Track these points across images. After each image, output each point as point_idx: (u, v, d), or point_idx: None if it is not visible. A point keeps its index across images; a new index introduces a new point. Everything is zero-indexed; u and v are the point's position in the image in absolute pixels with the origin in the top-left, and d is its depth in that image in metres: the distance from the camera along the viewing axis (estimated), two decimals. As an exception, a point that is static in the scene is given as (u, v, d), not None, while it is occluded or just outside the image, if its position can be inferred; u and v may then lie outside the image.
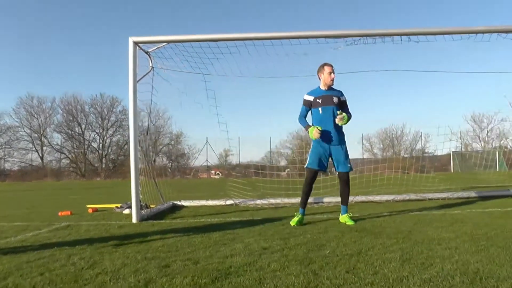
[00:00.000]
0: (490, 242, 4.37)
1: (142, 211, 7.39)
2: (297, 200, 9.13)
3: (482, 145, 50.62)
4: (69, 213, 8.34)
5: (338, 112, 6.36)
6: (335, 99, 6.50)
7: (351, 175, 6.70)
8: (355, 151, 39.69)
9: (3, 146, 51.08)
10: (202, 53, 8.44)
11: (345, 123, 6.41)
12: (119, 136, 53.97)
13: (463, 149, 41.95)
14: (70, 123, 53.06)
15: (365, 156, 42.11)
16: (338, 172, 6.53)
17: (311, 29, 8.24)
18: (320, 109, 6.48)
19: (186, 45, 8.19)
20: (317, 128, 6.26)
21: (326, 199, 9.14)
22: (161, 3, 68.63)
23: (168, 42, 7.91)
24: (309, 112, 6.67)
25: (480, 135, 51.75)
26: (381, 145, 50.09)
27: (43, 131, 53.16)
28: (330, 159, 6.54)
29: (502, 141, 49.09)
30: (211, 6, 72.22)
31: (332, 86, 6.63)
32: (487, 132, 51.51)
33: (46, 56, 68.39)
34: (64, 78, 67.52)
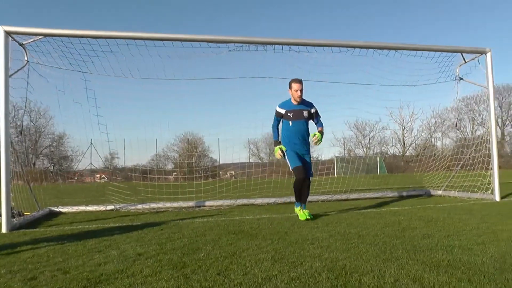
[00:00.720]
0: (360, 240, 4.68)
1: (14, 220, 6.87)
2: (180, 204, 9.12)
3: (365, 151, 53.97)
4: None
5: (312, 134, 6.97)
6: (305, 113, 7.03)
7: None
8: (242, 154, 40.27)
9: None
10: (82, 50, 8.12)
11: (320, 142, 6.98)
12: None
13: (346, 155, 44.20)
14: None
15: (251, 160, 42.87)
16: None
17: (196, 33, 8.29)
18: (290, 122, 6.97)
19: (65, 40, 7.83)
20: (281, 149, 6.93)
21: (207, 203, 9.19)
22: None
23: (45, 35, 7.48)
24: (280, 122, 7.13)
25: (363, 142, 55.15)
26: (268, 150, 51.29)
27: None
28: None
29: (382, 148, 52.93)
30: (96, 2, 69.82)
31: (303, 98, 7.07)
32: (369, 139, 55.07)
33: None
34: None
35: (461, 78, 10.96)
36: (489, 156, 9.97)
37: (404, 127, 50.34)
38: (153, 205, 9.09)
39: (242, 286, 2.93)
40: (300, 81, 7.00)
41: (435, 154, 13.48)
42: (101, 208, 9.03)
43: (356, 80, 11.14)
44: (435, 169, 12.61)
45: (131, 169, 12.29)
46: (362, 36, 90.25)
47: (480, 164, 10.55)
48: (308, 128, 7.14)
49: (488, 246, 4.20)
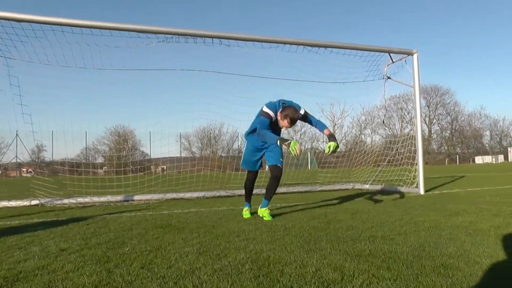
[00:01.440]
0: (286, 232, 4.82)
1: None
2: (108, 198, 8.97)
3: (296, 146, 54.85)
4: None
5: (327, 148, 5.92)
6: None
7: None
8: (174, 148, 39.82)
9: None
10: (4, 34, 7.80)
11: (337, 147, 5.96)
12: None
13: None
14: None
15: (183, 155, 42.58)
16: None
17: (126, 22, 8.13)
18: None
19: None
20: (299, 144, 5.60)
21: (136, 197, 9.11)
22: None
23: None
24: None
25: (294, 137, 56.06)
26: (200, 144, 51.16)
27: None
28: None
29: (313, 143, 54.10)
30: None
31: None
32: (301, 135, 56.09)
33: None
34: None
35: (388, 77, 11.46)
36: (415, 152, 10.50)
37: (335, 124, 51.66)
38: (80, 199, 8.88)
39: (165, 279, 2.96)
40: (295, 121, 6.21)
41: (364, 151, 13.98)
42: (25, 203, 8.68)
43: (287, 76, 11.36)
44: (363, 164, 13.10)
45: (59, 163, 11.93)
46: (293, 33, 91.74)
47: (406, 160, 11.10)
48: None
49: (409, 236, 4.44)
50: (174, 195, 9.45)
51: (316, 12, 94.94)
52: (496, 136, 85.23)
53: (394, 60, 11.03)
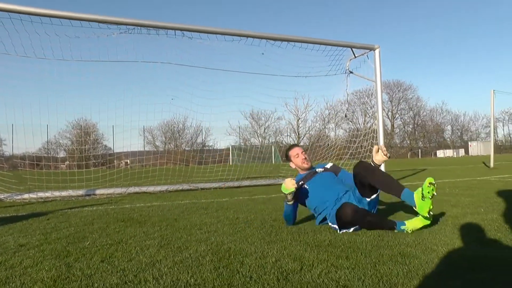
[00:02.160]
0: (248, 224, 4.87)
1: None
2: (69, 193, 8.84)
3: (260, 140, 55.19)
4: None
5: (376, 149, 4.66)
6: (319, 170, 5.11)
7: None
8: (137, 142, 39.45)
9: None
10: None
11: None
12: None
13: (242, 143, 44.88)
14: None
15: (147, 149, 42.17)
16: None
17: (86, 12, 7.99)
18: (307, 186, 4.90)
19: None
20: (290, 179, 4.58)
21: (98, 191, 9.02)
22: None
23: None
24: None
25: (258, 131, 56.36)
26: (164, 138, 50.76)
27: None
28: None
29: (277, 137, 54.45)
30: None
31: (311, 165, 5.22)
32: (264, 129, 56.39)
33: None
34: None
35: (351, 72, 11.63)
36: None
37: (299, 118, 52.14)
38: (41, 194, 8.73)
39: (125, 272, 2.97)
40: (296, 145, 5.31)
41: (328, 144, 14.17)
42: (-18, 198, 8.49)
43: (250, 70, 11.42)
44: (326, 158, 13.28)
45: (19, 157, 11.69)
46: (255, 27, 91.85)
47: (369, 153, 11.31)
48: (334, 178, 5.00)
49: (369, 226, 4.54)
50: (137, 189, 9.40)
51: (279, 6, 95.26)
52: (457, 131, 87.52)
53: (356, 55, 11.21)
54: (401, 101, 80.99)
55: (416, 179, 12.56)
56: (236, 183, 10.71)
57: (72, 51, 8.95)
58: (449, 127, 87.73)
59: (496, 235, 3.70)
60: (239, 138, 44.21)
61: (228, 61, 11.07)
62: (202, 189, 9.78)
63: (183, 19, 79.19)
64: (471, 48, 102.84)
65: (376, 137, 10.80)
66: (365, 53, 10.97)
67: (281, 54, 10.44)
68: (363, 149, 11.79)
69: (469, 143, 78.74)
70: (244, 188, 10.26)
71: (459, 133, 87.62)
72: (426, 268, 2.89)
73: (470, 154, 74.22)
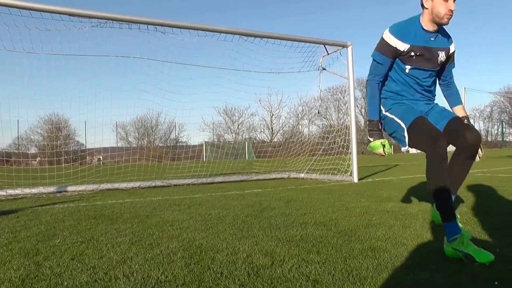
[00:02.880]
0: (220, 221, 4.88)
1: None
2: (40, 190, 8.69)
3: (233, 136, 55.20)
4: None
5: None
6: (441, 55, 3.49)
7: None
8: (110, 138, 38.97)
9: None
10: None
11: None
12: None
13: (215, 140, 44.84)
14: None
15: (120, 145, 41.76)
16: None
17: (57, 4, 7.85)
18: (408, 68, 3.49)
19: None
20: (385, 147, 3.51)
21: (69, 188, 8.91)
22: None
23: None
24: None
25: (232, 127, 56.32)
26: (137, 134, 50.35)
27: None
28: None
29: (251, 134, 54.56)
30: None
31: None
32: (238, 125, 56.37)
33: None
34: None
35: (324, 69, 11.72)
36: (349, 141, 10.84)
37: (273, 114, 52.33)
38: (11, 191, 8.55)
39: (96, 269, 2.96)
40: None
41: (301, 141, 14.27)
42: None
43: (223, 65, 11.42)
44: (299, 154, 13.38)
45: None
46: (228, 22, 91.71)
47: (341, 149, 11.45)
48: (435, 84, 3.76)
49: (341, 221, 4.60)
50: (109, 186, 9.31)
51: (252, 2, 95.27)
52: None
53: (329, 52, 11.30)
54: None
55: (389, 174, 12.71)
56: (209, 179, 10.71)
57: (42, 44, 8.81)
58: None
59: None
60: (213, 134, 44.14)
61: (201, 56, 11.07)
62: (175, 185, 9.74)
63: (156, 14, 78.51)
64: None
65: (349, 133, 10.93)
66: (337, 50, 11.07)
67: (254, 51, 10.48)
68: (336, 145, 11.91)
69: (444, 139, 79.83)
70: (217, 184, 10.26)
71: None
72: (396, 261, 2.96)
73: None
